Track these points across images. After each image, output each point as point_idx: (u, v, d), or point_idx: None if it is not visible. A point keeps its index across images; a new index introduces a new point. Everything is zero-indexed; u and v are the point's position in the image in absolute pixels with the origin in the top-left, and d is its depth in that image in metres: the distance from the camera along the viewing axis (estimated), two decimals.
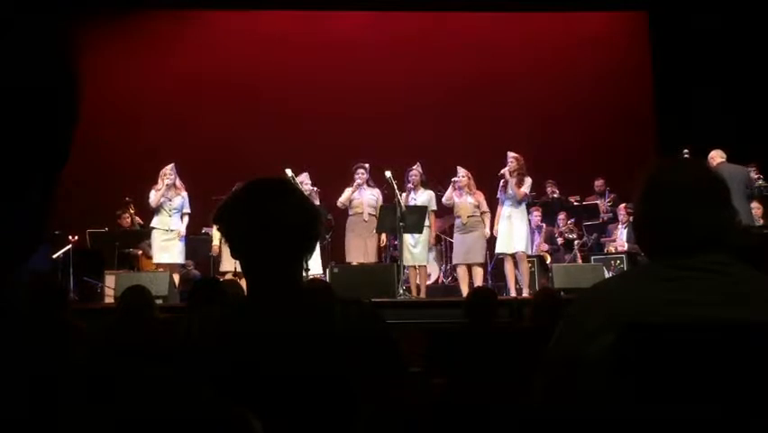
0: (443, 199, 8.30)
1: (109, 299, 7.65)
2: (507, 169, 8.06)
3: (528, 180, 8.14)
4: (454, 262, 8.44)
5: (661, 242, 1.58)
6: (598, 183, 10.25)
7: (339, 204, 8.43)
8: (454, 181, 8.19)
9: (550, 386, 1.61)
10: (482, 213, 8.21)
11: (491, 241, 8.28)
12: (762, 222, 8.34)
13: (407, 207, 8.07)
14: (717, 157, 8.16)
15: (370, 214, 8.32)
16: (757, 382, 1.42)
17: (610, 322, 1.49)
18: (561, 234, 9.78)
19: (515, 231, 8.07)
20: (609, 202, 10.03)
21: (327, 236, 8.83)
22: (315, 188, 8.37)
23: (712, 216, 1.54)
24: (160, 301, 6.62)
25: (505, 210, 8.11)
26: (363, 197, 8.36)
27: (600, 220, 9.97)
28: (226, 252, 7.40)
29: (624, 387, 1.46)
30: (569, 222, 9.84)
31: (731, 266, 1.51)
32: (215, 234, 8.34)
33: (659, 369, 1.45)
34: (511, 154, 8.16)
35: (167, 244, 8.13)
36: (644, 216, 1.62)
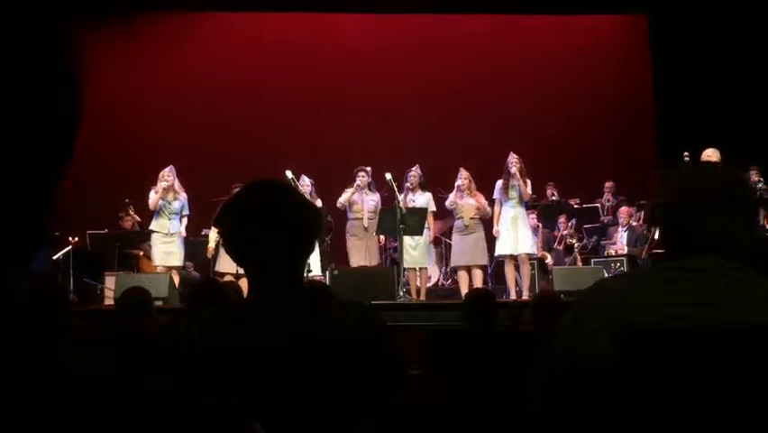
0: (447, 204, 8.30)
1: (109, 301, 7.65)
2: (515, 169, 8.05)
3: (529, 181, 8.17)
4: (453, 264, 8.43)
5: (674, 242, 1.59)
6: (608, 185, 10.23)
7: (338, 205, 8.44)
8: (458, 186, 8.19)
9: (550, 387, 1.61)
10: (483, 213, 8.21)
11: (491, 242, 8.28)
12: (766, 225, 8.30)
13: (407, 209, 8.08)
14: (712, 156, 8.10)
15: (369, 219, 8.34)
16: (754, 383, 1.43)
17: (609, 323, 1.50)
18: (562, 238, 9.76)
19: (520, 232, 8.07)
20: (613, 202, 10.02)
21: (327, 238, 8.83)
22: (317, 199, 8.36)
23: (723, 220, 1.54)
24: (159, 303, 6.65)
25: (508, 211, 8.09)
26: (364, 201, 8.38)
27: (600, 223, 9.97)
28: (226, 254, 7.40)
29: (622, 388, 1.47)
30: (570, 224, 9.83)
31: (733, 269, 1.52)
32: (212, 237, 8.35)
33: (656, 371, 1.45)
34: (514, 156, 8.17)
35: (167, 247, 8.14)
36: (662, 216, 1.62)
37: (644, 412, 1.45)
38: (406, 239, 8.12)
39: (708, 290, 1.50)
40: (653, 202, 1.69)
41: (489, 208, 8.22)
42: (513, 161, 8.11)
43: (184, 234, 8.29)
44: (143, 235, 8.66)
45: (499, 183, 8.13)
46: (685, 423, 1.43)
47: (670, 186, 1.63)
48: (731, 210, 1.56)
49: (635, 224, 9.34)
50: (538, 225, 9.70)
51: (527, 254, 8.15)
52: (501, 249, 8.16)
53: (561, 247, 9.77)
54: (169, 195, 8.18)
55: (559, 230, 9.92)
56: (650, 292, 1.53)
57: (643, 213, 9.33)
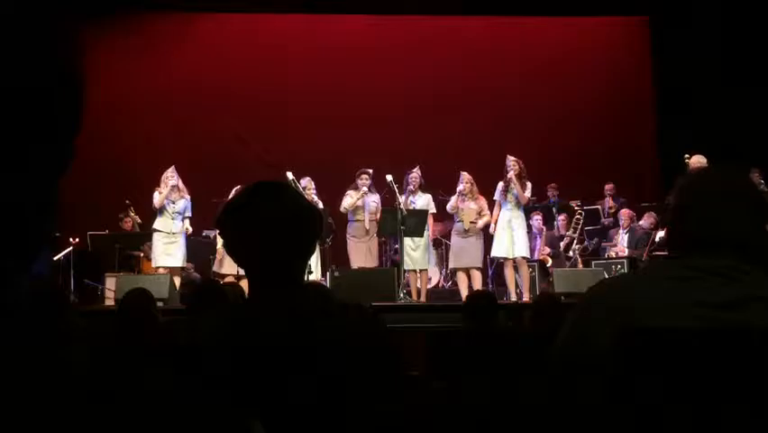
0: (449, 208, 8.30)
1: (110, 302, 7.66)
2: (512, 173, 8.04)
3: (529, 184, 8.17)
4: (451, 265, 8.45)
5: (686, 243, 1.59)
6: (608, 187, 10.24)
7: (342, 209, 8.45)
8: (460, 191, 8.19)
9: (550, 385, 1.62)
10: (482, 217, 8.22)
11: (487, 245, 8.28)
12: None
13: (408, 210, 8.08)
14: (696, 163, 8.09)
15: (370, 220, 8.35)
16: (756, 385, 1.43)
17: (610, 323, 1.50)
18: (571, 239, 9.69)
19: (516, 236, 8.08)
20: (614, 207, 10.01)
21: (328, 240, 8.84)
22: (319, 201, 8.34)
23: (738, 221, 1.55)
24: (160, 304, 6.63)
25: (505, 214, 8.11)
26: (365, 203, 8.40)
27: (601, 225, 9.97)
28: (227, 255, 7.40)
29: (621, 388, 1.47)
30: (575, 218, 9.77)
31: (744, 271, 1.52)
32: (220, 238, 8.34)
33: (657, 371, 1.46)
34: (511, 158, 8.17)
35: (169, 247, 8.14)
36: (675, 211, 1.63)
37: (643, 412, 1.45)
38: (407, 241, 8.13)
39: (709, 290, 1.50)
40: (665, 203, 1.69)
41: (488, 211, 8.22)
42: (510, 164, 8.10)
43: (190, 230, 8.30)
44: (144, 236, 8.66)
45: (500, 185, 8.14)
46: (685, 424, 1.43)
47: (683, 187, 1.63)
48: (745, 212, 1.56)
49: (642, 222, 9.27)
50: (542, 228, 9.69)
51: (524, 257, 8.16)
52: (496, 251, 8.17)
53: (569, 244, 9.70)
54: (173, 194, 8.20)
55: (558, 231, 9.92)
56: (652, 293, 1.53)
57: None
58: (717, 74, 10.05)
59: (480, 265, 8.16)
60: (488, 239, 8.28)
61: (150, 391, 1.41)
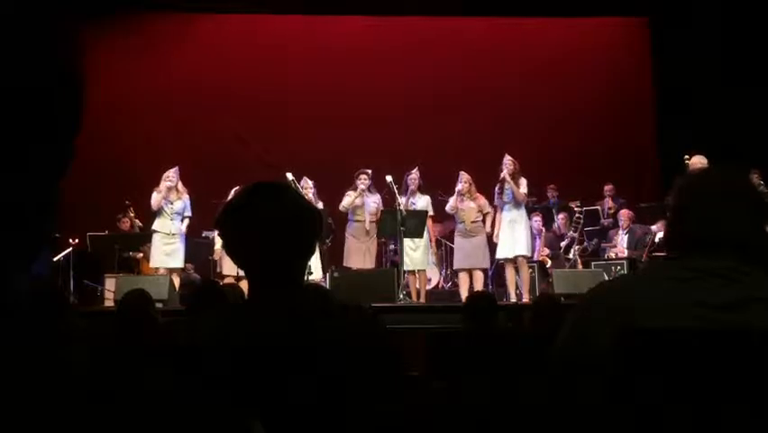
0: (448, 209, 8.31)
1: (109, 302, 7.66)
2: (506, 172, 8.07)
3: (524, 181, 8.18)
4: (456, 266, 8.43)
5: (685, 243, 1.59)
6: (608, 188, 10.24)
7: (341, 208, 8.43)
8: (458, 191, 8.19)
9: (551, 385, 1.62)
10: (485, 214, 8.22)
11: (492, 245, 8.28)
12: None
13: (408, 211, 8.08)
14: (697, 163, 8.08)
15: (371, 221, 8.35)
16: (756, 386, 1.43)
17: (609, 323, 1.50)
18: (571, 239, 9.67)
19: (516, 235, 8.08)
20: (613, 208, 10.01)
21: (327, 241, 8.83)
22: (319, 201, 8.33)
23: (738, 221, 1.55)
24: (160, 305, 6.63)
25: (506, 215, 8.12)
26: (365, 204, 8.39)
27: (601, 226, 9.97)
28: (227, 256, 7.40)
29: (621, 388, 1.47)
30: (575, 217, 9.76)
31: (743, 272, 1.52)
32: (218, 239, 8.35)
33: (656, 372, 1.46)
34: (508, 158, 8.19)
35: (168, 248, 8.13)
36: (674, 211, 1.63)
37: (643, 412, 1.45)
38: (406, 241, 8.12)
39: (714, 292, 1.50)
40: (664, 203, 1.70)
41: (490, 209, 8.23)
42: (506, 163, 8.13)
43: (184, 230, 8.28)
44: (143, 237, 8.66)
45: (496, 189, 8.17)
46: (685, 424, 1.43)
47: (683, 187, 1.63)
48: (745, 212, 1.56)
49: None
50: (542, 229, 9.68)
51: (524, 257, 8.16)
52: (501, 252, 8.19)
53: (569, 245, 9.68)
54: (171, 195, 8.19)
55: (559, 230, 9.92)
56: (652, 293, 1.53)
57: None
58: (717, 74, 10.03)
59: (484, 266, 8.18)
60: (491, 240, 8.28)
61: (150, 391, 1.41)
